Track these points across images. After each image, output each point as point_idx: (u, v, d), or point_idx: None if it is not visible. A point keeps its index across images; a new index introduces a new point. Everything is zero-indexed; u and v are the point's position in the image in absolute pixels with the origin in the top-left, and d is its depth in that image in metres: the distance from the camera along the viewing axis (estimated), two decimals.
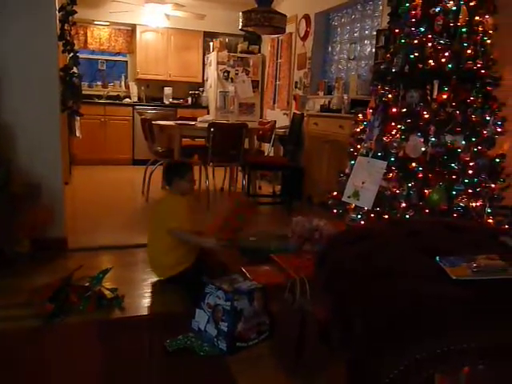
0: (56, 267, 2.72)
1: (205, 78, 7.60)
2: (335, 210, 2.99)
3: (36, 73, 2.79)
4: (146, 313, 2.27)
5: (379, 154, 2.65)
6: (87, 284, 2.34)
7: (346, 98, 4.47)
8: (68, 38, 3.29)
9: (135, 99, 7.22)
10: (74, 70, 3.35)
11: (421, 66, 2.56)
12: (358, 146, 2.86)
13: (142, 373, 1.74)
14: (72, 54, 3.39)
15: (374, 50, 4.47)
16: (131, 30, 7.15)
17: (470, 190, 2.50)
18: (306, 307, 1.82)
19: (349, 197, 2.71)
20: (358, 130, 2.91)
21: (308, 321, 1.79)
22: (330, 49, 5.64)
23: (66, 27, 3.26)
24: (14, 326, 2.06)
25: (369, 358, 1.19)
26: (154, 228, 2.63)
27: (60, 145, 2.99)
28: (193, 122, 4.89)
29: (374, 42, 4.49)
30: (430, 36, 2.56)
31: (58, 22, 3.05)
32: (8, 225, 2.67)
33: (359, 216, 2.74)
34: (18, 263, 2.69)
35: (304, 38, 5.75)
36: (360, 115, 2.92)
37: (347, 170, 2.96)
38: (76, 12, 3.34)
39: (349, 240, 1.88)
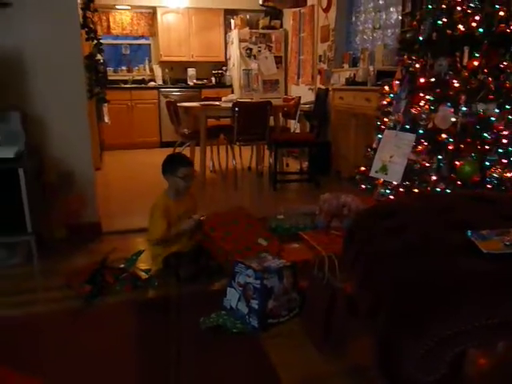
0: (91, 250, 2.82)
1: (227, 57, 7.54)
2: (363, 186, 2.96)
3: (61, 62, 2.83)
4: (178, 292, 2.33)
5: (407, 126, 2.59)
6: (122, 266, 2.42)
7: (371, 69, 4.35)
8: (91, 25, 3.32)
9: (160, 82, 7.25)
10: (99, 56, 3.40)
11: (450, 32, 2.46)
12: (385, 119, 2.80)
13: (178, 350, 1.80)
14: (95, 41, 3.42)
15: (400, 17, 4.31)
16: (152, 13, 7.14)
17: (504, 160, 2.41)
18: (334, 283, 1.83)
19: (376, 171, 2.67)
20: (385, 102, 2.84)
21: (337, 297, 1.80)
22: (353, 19, 5.47)
23: (87, 14, 3.29)
24: (55, 307, 2.16)
25: (399, 334, 1.20)
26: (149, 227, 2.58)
27: (89, 132, 3.06)
28: (217, 103, 4.89)
29: (400, 8, 4.33)
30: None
31: (79, 9, 3.07)
32: (45, 212, 2.78)
33: (388, 191, 2.70)
34: (55, 248, 2.80)
35: (326, 10, 5.59)
36: (386, 87, 2.85)
37: (374, 145, 2.90)
38: None
39: (378, 215, 1.86)
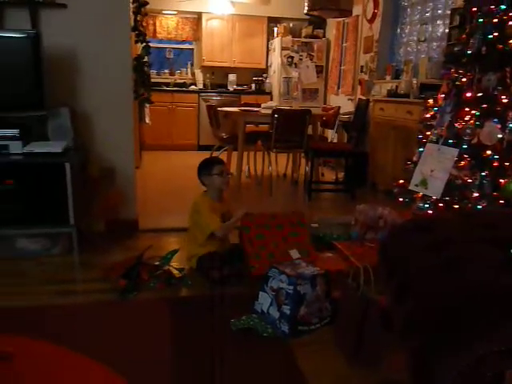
0: (128, 246, 2.89)
1: (268, 64, 7.60)
2: (401, 199, 2.92)
3: (111, 62, 2.93)
4: (211, 292, 2.36)
5: (450, 140, 2.54)
6: (157, 263, 2.48)
7: (414, 82, 4.28)
8: (141, 28, 3.44)
9: (200, 86, 7.39)
10: (146, 59, 3.51)
11: (500, 46, 2.40)
12: (428, 133, 2.75)
13: (208, 349, 1.82)
14: (144, 43, 3.53)
15: (447, 30, 4.23)
16: (197, 18, 7.29)
17: None
18: (369, 295, 1.81)
19: (416, 185, 2.62)
20: (428, 115, 2.80)
21: (371, 309, 1.78)
22: (398, 31, 5.41)
23: (138, 18, 3.40)
24: (91, 298, 2.24)
25: (436, 351, 1.17)
26: (189, 226, 2.64)
27: (133, 131, 3.15)
28: (257, 109, 4.93)
29: (447, 22, 4.25)
30: (511, 14, 2.39)
31: (131, 13, 3.18)
32: (85, 206, 2.88)
33: (427, 205, 2.65)
34: (93, 241, 2.88)
35: (371, 21, 5.56)
36: (430, 100, 2.80)
37: (415, 158, 2.86)
38: (148, 3, 3.46)
39: (415, 229, 1.83)
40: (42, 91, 2.57)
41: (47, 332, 1.86)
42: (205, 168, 2.59)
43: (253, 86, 7.57)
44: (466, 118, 2.50)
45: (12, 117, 2.60)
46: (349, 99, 6.17)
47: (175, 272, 2.45)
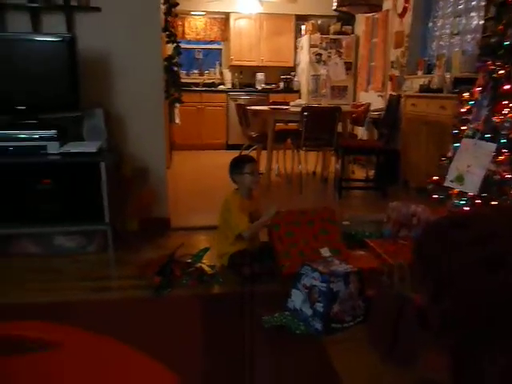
0: (160, 244, 2.94)
1: (296, 62, 7.57)
2: (435, 196, 2.84)
3: (143, 64, 2.99)
4: (243, 290, 2.37)
5: (487, 135, 2.46)
6: (189, 260, 2.51)
7: (448, 76, 4.18)
8: (171, 29, 3.48)
9: (229, 86, 7.43)
10: (176, 59, 3.56)
11: None
12: (463, 128, 2.67)
13: (240, 346, 1.83)
14: (175, 44, 3.58)
15: (481, 22, 4.10)
16: (225, 18, 7.34)
17: None
18: (404, 293, 1.77)
19: (452, 181, 2.56)
20: (464, 110, 2.72)
21: (406, 307, 1.75)
22: (430, 24, 5.28)
23: (169, 19, 3.45)
24: (127, 294, 2.28)
25: (480, 345, 1.14)
26: (220, 224, 2.65)
27: (164, 131, 3.20)
28: (286, 107, 4.92)
29: (481, 13, 4.12)
30: None
31: (162, 14, 3.23)
32: (119, 205, 2.94)
33: (463, 202, 2.58)
34: (127, 239, 2.94)
35: (402, 15, 5.45)
36: (466, 94, 2.72)
37: (450, 153, 2.78)
38: (178, 4, 3.51)
39: (451, 226, 1.79)
40: (77, 93, 2.64)
41: (82, 327, 1.92)
42: (236, 166, 2.59)
43: (281, 84, 7.55)
44: (504, 112, 2.41)
45: (49, 118, 2.69)
46: (379, 96, 6.07)
47: (207, 269, 2.47)
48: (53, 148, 2.56)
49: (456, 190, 2.62)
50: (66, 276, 2.48)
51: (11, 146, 2.53)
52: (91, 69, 2.85)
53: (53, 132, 2.59)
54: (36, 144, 2.56)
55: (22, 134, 2.56)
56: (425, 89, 4.56)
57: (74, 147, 2.59)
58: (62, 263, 2.64)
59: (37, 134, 2.57)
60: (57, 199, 2.61)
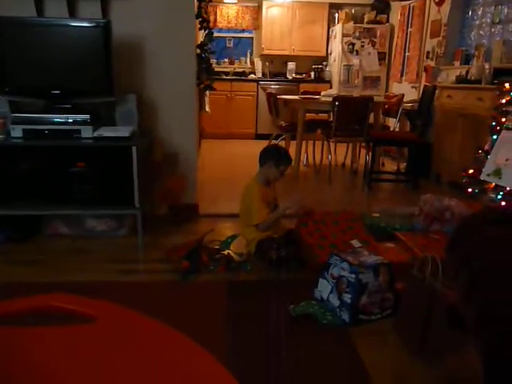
0: (189, 230, 2.97)
1: (329, 52, 7.45)
2: (470, 189, 2.76)
3: (176, 50, 2.99)
4: (270, 277, 2.36)
5: None
6: (217, 247, 2.52)
7: (487, 67, 4.02)
8: (204, 15, 3.47)
9: (259, 75, 7.38)
10: (208, 46, 3.56)
11: None
12: (503, 119, 2.58)
13: (267, 333, 1.83)
14: (208, 30, 3.58)
15: None
16: (258, 7, 7.27)
17: None
18: (436, 287, 1.73)
19: (488, 175, 2.47)
20: (504, 101, 2.62)
21: (437, 302, 1.70)
22: (470, 13, 5.10)
23: (202, 5, 3.44)
24: (154, 278, 2.32)
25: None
26: (241, 212, 2.65)
27: (195, 118, 3.20)
28: (317, 96, 4.85)
29: None
30: None
31: (195, 0, 3.23)
32: (150, 190, 2.97)
33: (499, 196, 2.49)
34: (156, 224, 2.98)
35: (440, 3, 5.28)
36: (507, 84, 2.62)
37: (487, 146, 2.70)
38: None
39: (487, 221, 1.72)
40: (111, 78, 2.66)
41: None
42: (276, 158, 2.57)
43: (312, 74, 7.46)
44: None
45: (83, 103, 2.73)
46: (412, 87, 5.92)
47: (235, 256, 2.47)
48: (86, 132, 2.60)
49: (492, 184, 2.54)
50: (96, 257, 2.54)
51: (47, 130, 2.58)
52: (125, 55, 2.87)
53: (86, 116, 2.63)
54: (70, 128, 2.61)
55: (57, 118, 2.61)
56: (462, 80, 4.41)
57: (106, 131, 2.62)
58: (93, 245, 2.69)
59: (71, 118, 2.62)
60: (89, 182, 2.66)
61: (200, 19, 3.41)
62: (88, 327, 0.63)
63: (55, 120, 2.61)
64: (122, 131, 2.63)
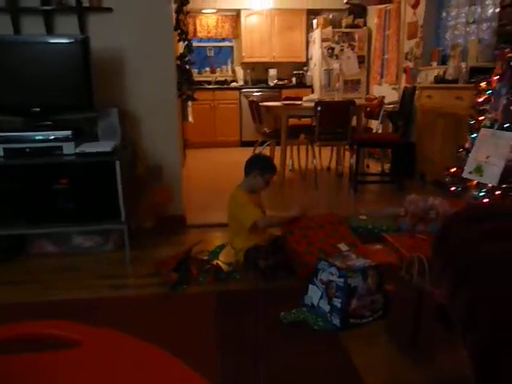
0: (176, 242, 2.95)
1: (309, 57, 7.52)
2: (453, 188, 2.80)
3: (155, 62, 2.99)
4: (259, 287, 2.36)
5: (506, 124, 2.41)
6: (205, 258, 2.51)
7: (463, 66, 4.10)
8: (183, 27, 3.49)
9: (241, 83, 7.42)
10: (188, 57, 3.57)
11: None
12: (481, 118, 2.62)
13: (258, 342, 1.82)
14: (186, 42, 3.59)
15: (497, 10, 4.02)
16: (236, 15, 7.32)
17: None
18: (423, 287, 1.75)
19: (470, 172, 2.51)
20: (481, 99, 2.67)
21: (425, 301, 1.72)
22: (444, 14, 5.19)
23: (180, 17, 3.45)
24: (144, 292, 2.30)
25: (503, 348, 1.11)
26: (229, 221, 2.66)
27: (178, 129, 3.20)
28: (299, 102, 4.89)
29: (497, 1, 4.03)
30: None
31: (173, 12, 3.23)
32: (135, 203, 2.95)
33: (482, 193, 2.53)
34: (143, 237, 2.96)
35: (415, 6, 5.37)
36: (483, 83, 2.67)
37: (467, 145, 2.74)
38: (189, 2, 3.50)
39: (472, 219, 1.74)
40: (91, 93, 2.65)
41: (100, 323, 1.94)
42: (261, 167, 2.58)
43: (293, 79, 7.51)
44: None
45: (64, 119, 2.71)
46: (393, 88, 6.00)
47: (224, 266, 2.47)
48: (68, 148, 2.58)
49: (474, 182, 2.57)
50: (84, 274, 2.51)
51: (28, 148, 2.55)
52: (105, 69, 2.87)
53: (68, 133, 2.61)
54: (52, 145, 2.58)
55: (38, 136, 2.59)
56: (440, 80, 4.48)
57: (88, 147, 2.60)
58: (80, 262, 2.66)
59: (52, 135, 2.59)
60: (73, 199, 2.63)
61: (179, 31, 3.41)
62: (74, 352, 0.63)
63: (36, 137, 2.58)
64: (104, 146, 2.61)
